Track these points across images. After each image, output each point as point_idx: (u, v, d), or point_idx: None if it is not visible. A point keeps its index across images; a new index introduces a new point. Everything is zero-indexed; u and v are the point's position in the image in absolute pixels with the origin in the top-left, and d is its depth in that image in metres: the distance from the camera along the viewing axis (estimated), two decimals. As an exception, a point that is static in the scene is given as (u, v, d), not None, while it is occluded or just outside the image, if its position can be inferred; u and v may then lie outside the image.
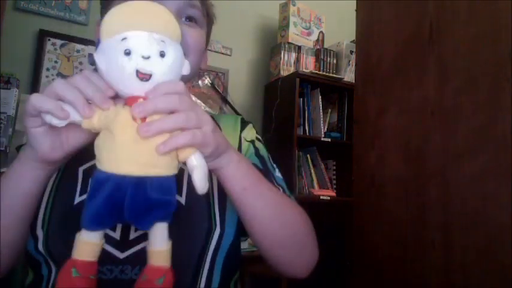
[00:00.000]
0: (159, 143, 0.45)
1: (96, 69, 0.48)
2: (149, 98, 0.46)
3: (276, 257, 0.63)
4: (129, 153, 0.45)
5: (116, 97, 0.48)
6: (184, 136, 0.46)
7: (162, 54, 0.46)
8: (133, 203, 0.45)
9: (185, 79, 0.69)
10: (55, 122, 0.47)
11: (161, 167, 0.46)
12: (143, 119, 0.46)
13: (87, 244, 0.46)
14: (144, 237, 0.56)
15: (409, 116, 1.34)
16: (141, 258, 0.56)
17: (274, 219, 0.61)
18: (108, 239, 0.58)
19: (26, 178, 0.54)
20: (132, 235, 0.59)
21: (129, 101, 0.47)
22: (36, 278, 0.62)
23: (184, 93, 0.49)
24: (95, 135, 0.48)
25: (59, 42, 2.20)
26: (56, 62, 2.18)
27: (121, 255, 0.58)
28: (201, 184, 0.48)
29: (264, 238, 0.61)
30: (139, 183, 0.45)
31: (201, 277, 0.61)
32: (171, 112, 0.47)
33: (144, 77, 0.45)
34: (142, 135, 0.45)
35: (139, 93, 0.46)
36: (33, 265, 0.62)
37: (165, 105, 0.46)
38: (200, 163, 0.48)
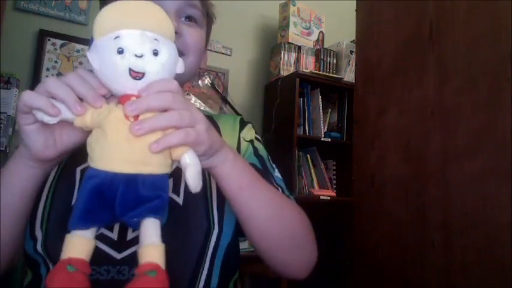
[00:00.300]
0: (151, 142, 0.45)
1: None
2: (142, 96, 0.46)
3: (274, 258, 0.63)
4: (121, 151, 0.45)
5: (109, 97, 0.48)
6: (177, 135, 0.46)
7: (155, 53, 0.46)
8: (124, 200, 0.44)
9: (185, 79, 0.69)
10: (46, 118, 0.47)
11: (154, 165, 0.46)
12: (136, 117, 0.45)
13: (79, 239, 0.45)
14: None
15: (409, 116, 1.34)
16: None
17: (272, 220, 0.60)
18: (105, 239, 0.57)
19: (21, 177, 0.54)
20: (130, 236, 0.58)
21: (122, 99, 0.47)
22: (34, 277, 0.62)
23: (178, 92, 0.48)
24: (89, 134, 0.48)
25: (59, 42, 2.20)
26: (56, 62, 2.18)
27: (118, 256, 0.57)
28: (193, 182, 0.47)
29: (262, 239, 0.61)
30: (131, 180, 0.45)
31: (200, 277, 0.60)
32: (164, 110, 0.47)
33: (137, 75, 0.45)
34: (134, 133, 0.44)
35: (133, 92, 0.46)
36: (32, 265, 0.62)
37: (158, 103, 0.46)
38: (193, 161, 0.48)
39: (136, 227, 0.47)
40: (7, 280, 0.66)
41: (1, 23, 1.73)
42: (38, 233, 0.59)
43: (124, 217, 0.46)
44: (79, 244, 0.45)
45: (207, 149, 0.50)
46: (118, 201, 0.44)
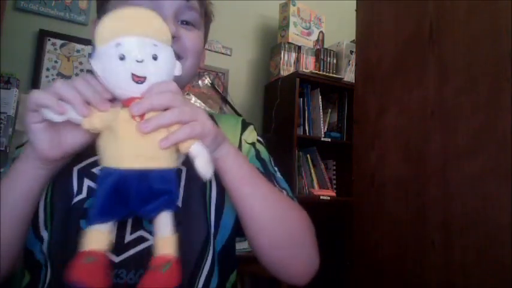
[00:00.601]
0: (161, 139, 0.48)
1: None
2: (145, 97, 0.49)
3: (274, 262, 0.63)
4: (131, 148, 0.48)
5: (113, 101, 0.51)
6: (184, 130, 0.49)
7: (155, 57, 0.50)
8: (138, 194, 0.48)
9: (185, 81, 0.70)
10: (53, 116, 0.49)
11: (162, 160, 0.49)
12: (141, 117, 0.49)
13: (97, 233, 0.48)
14: (140, 241, 0.57)
15: (409, 116, 1.34)
16: (136, 262, 0.56)
17: (275, 221, 0.60)
18: None
19: (27, 177, 0.55)
20: (128, 238, 0.58)
21: (127, 102, 0.50)
22: (33, 280, 0.62)
23: (177, 92, 0.52)
24: (93, 136, 0.51)
25: (59, 42, 2.20)
26: (56, 62, 2.18)
27: (116, 259, 0.57)
28: (203, 170, 0.50)
29: (262, 237, 0.60)
30: (143, 175, 0.48)
31: (199, 278, 0.60)
32: (167, 109, 0.50)
33: (139, 79, 0.49)
34: (142, 131, 0.48)
35: (136, 95, 0.50)
36: (32, 267, 0.62)
37: (159, 102, 0.49)
38: (201, 151, 0.51)
39: (151, 219, 0.50)
40: (7, 281, 0.65)
41: (1, 23, 1.73)
42: (44, 234, 0.60)
43: (140, 211, 0.49)
44: (97, 238, 0.48)
45: (212, 139, 0.53)
46: (132, 196, 0.48)
